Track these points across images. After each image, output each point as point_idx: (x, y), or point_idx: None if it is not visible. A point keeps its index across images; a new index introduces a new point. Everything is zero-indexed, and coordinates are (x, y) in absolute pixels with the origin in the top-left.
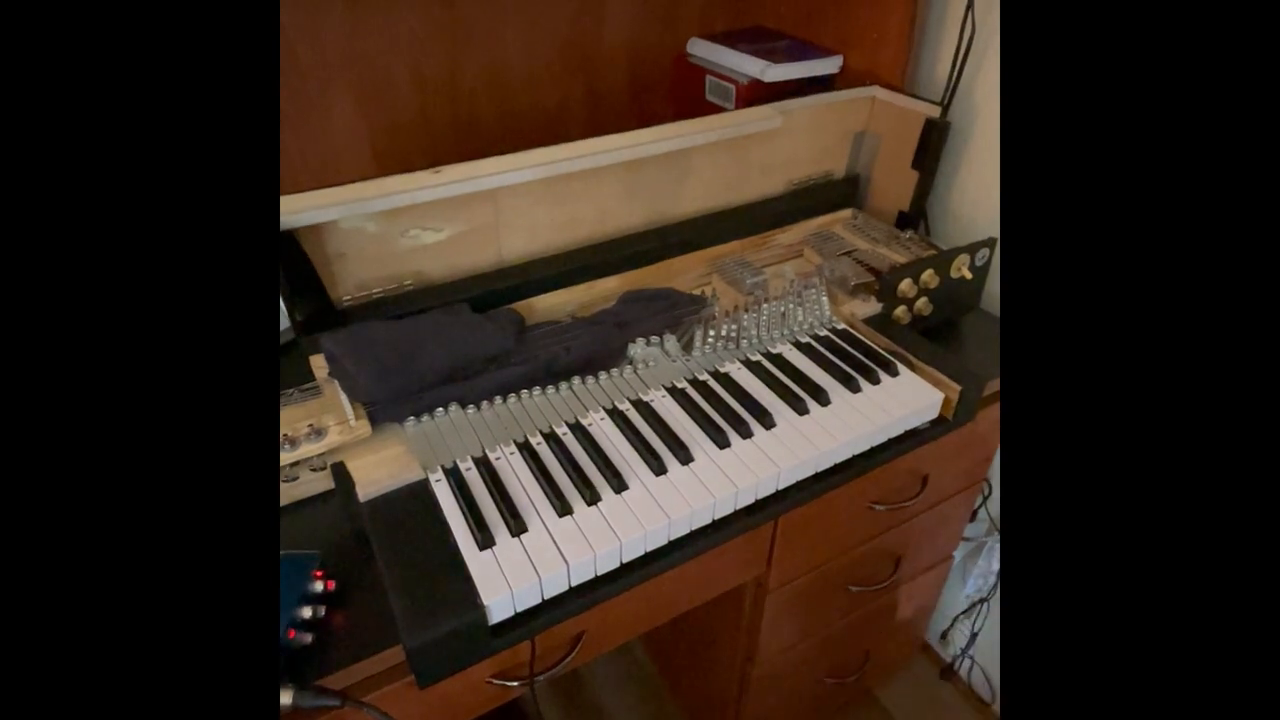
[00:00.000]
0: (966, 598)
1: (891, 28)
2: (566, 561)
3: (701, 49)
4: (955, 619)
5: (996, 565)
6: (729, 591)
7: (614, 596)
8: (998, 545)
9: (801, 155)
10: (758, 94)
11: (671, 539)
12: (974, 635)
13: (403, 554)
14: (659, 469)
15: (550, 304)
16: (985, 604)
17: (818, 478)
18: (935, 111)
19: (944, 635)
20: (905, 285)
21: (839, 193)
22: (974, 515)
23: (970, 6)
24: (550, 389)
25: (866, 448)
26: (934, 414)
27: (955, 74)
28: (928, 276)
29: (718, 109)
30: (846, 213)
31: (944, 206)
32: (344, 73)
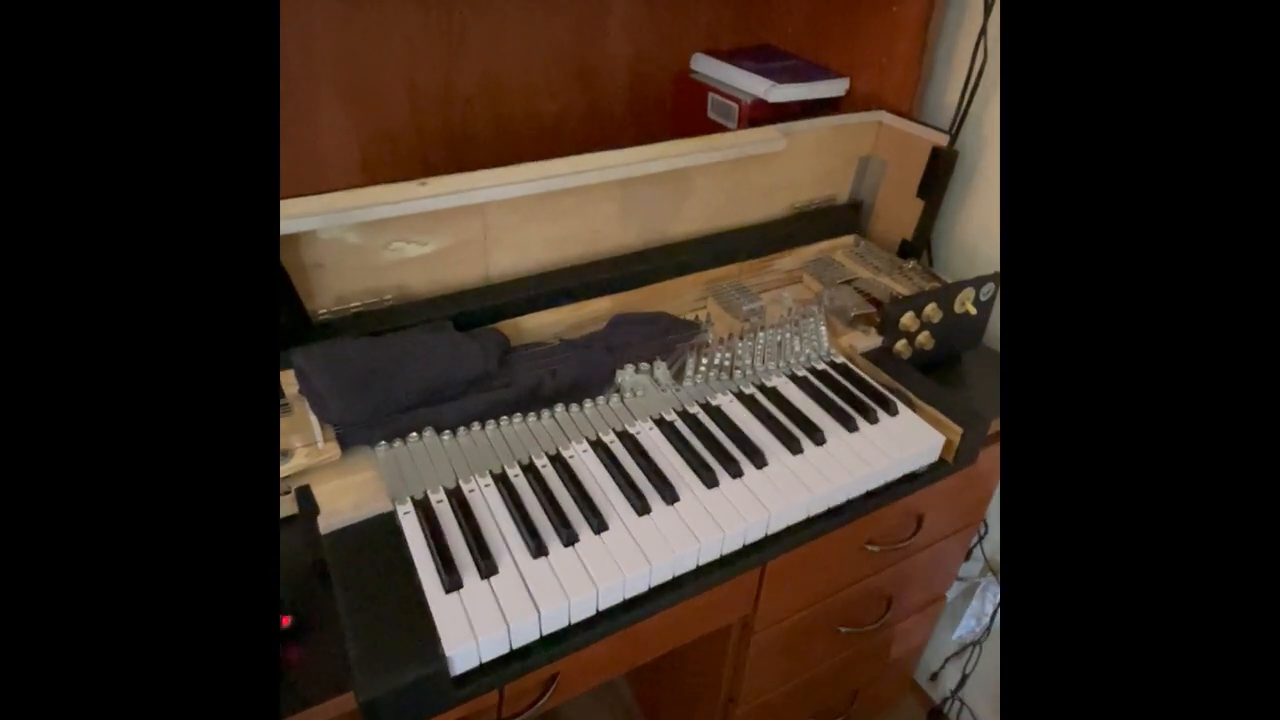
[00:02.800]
0: (958, 640)
1: (900, 52)
2: (538, 609)
3: (705, 66)
4: (946, 660)
5: (990, 607)
6: (714, 630)
7: (587, 646)
8: (993, 586)
9: (804, 178)
10: (761, 114)
11: (653, 585)
12: (965, 677)
13: (363, 594)
14: (642, 508)
15: (538, 324)
16: (978, 647)
17: (810, 522)
18: (943, 140)
19: (934, 676)
20: (907, 319)
21: (841, 218)
22: (968, 554)
23: (982, 33)
24: (532, 416)
25: (862, 492)
26: (934, 457)
27: (965, 102)
28: (930, 310)
29: (720, 128)
30: (848, 239)
31: (949, 237)
32: (333, 77)
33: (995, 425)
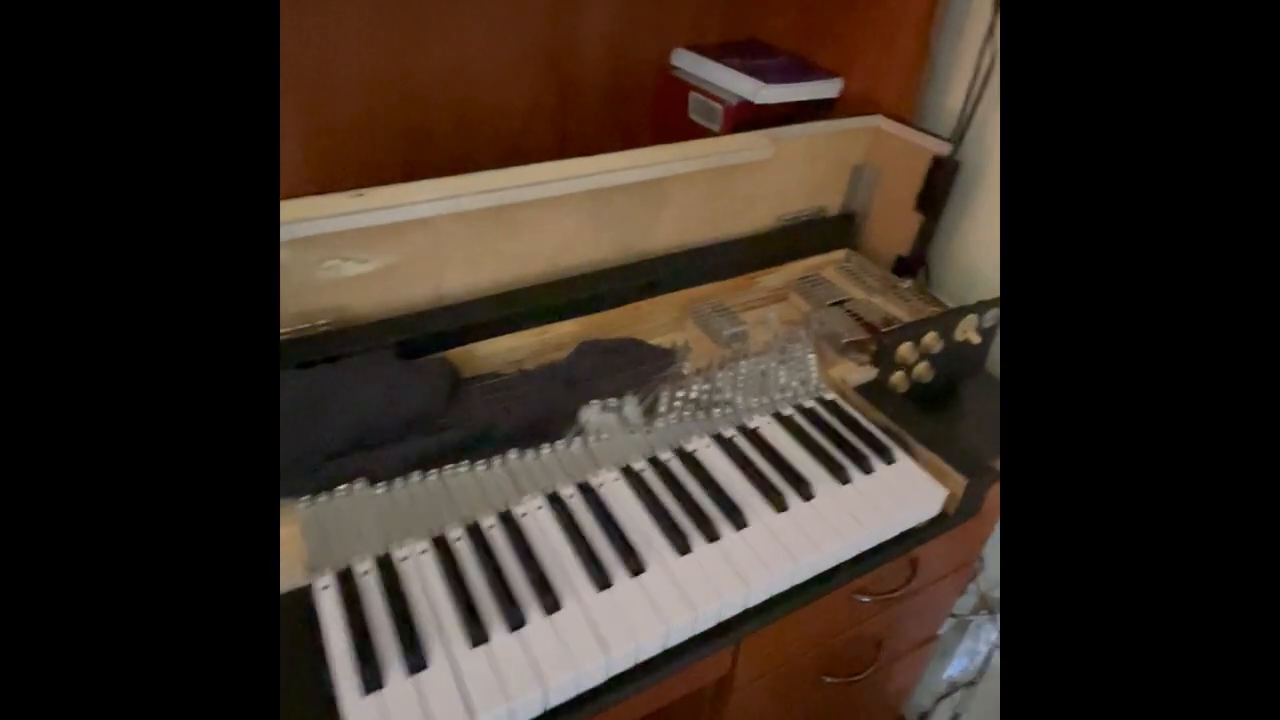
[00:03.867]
0: (950, 680)
1: (900, 51)
2: (473, 714)
3: (687, 62)
4: (938, 701)
5: (985, 646)
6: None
7: None
8: (987, 624)
9: (793, 188)
10: (747, 116)
11: (612, 675)
12: (955, 718)
13: None
14: (602, 582)
15: (495, 350)
16: (973, 686)
17: (795, 590)
18: (944, 149)
19: (924, 716)
20: (905, 349)
21: (832, 231)
22: (963, 590)
23: (991, 31)
24: (481, 464)
25: (853, 555)
26: (934, 510)
27: (969, 107)
28: (930, 339)
29: (702, 130)
30: (839, 254)
31: (947, 254)
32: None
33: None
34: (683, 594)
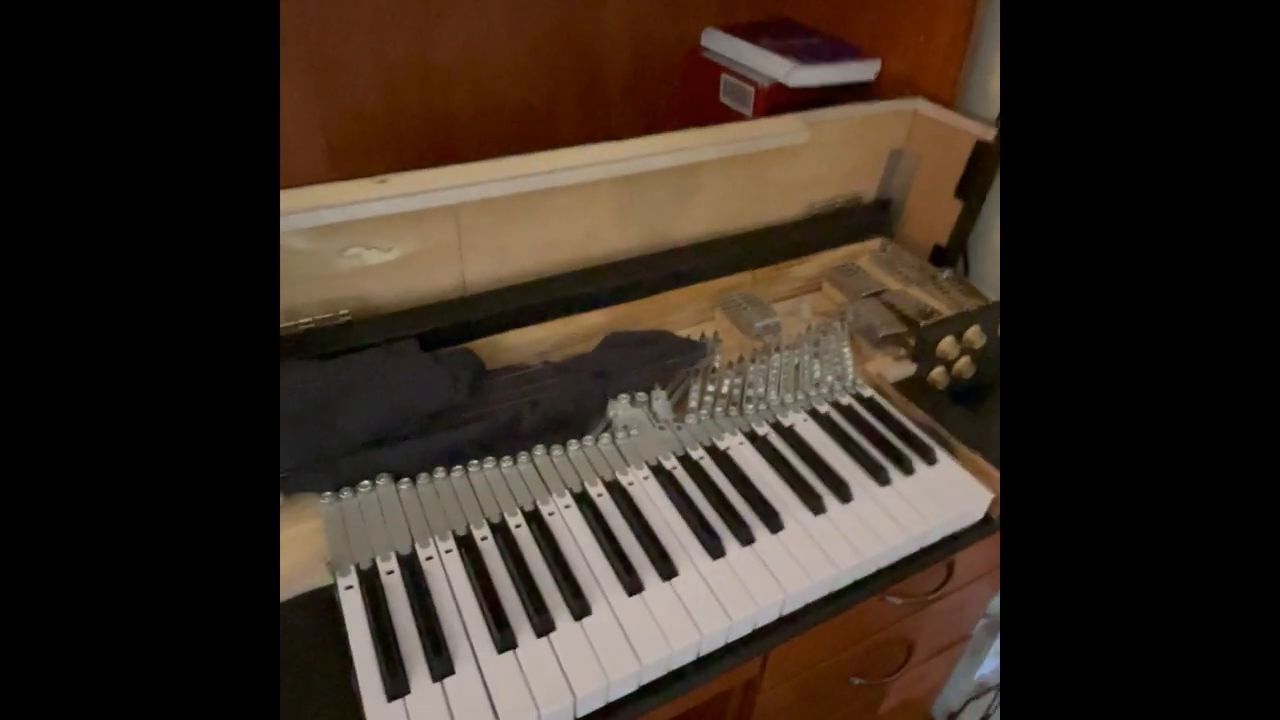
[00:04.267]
0: (980, 681)
1: (941, 29)
2: None
3: (717, 43)
4: (967, 702)
5: None
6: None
7: None
8: None
9: (827, 174)
10: (780, 99)
11: (643, 684)
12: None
13: (284, 697)
14: (633, 587)
15: (521, 342)
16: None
17: (833, 597)
18: (988, 133)
19: (953, 717)
20: (946, 344)
21: (867, 219)
22: (996, 589)
23: None
24: (507, 460)
25: (894, 560)
26: (979, 514)
27: None
28: (973, 334)
29: (733, 114)
30: (874, 243)
31: (988, 244)
32: (293, 47)
33: None
34: (717, 600)
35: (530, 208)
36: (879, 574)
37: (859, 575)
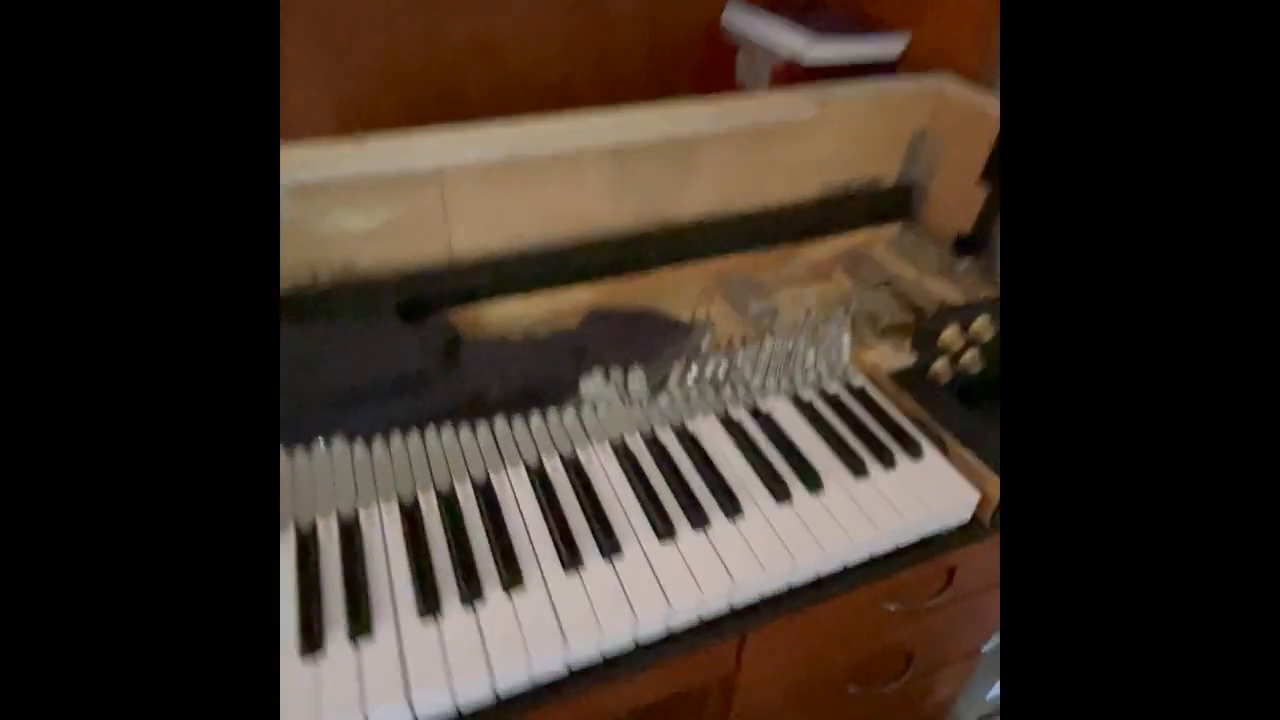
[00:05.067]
0: (993, 701)
1: (974, 2)
2: (410, 693)
3: (737, 18)
4: None
5: None
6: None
7: None
8: None
9: (843, 155)
10: (798, 76)
11: (571, 668)
12: None
13: None
14: (571, 561)
15: (506, 314)
16: None
17: (794, 593)
18: None
19: None
20: (950, 334)
21: (886, 204)
22: None
23: None
24: (466, 428)
25: (864, 557)
26: (965, 516)
27: None
28: (980, 325)
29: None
30: (893, 229)
31: None
32: (301, 19)
33: None
34: (658, 584)
35: (520, 176)
36: (853, 570)
37: (823, 571)
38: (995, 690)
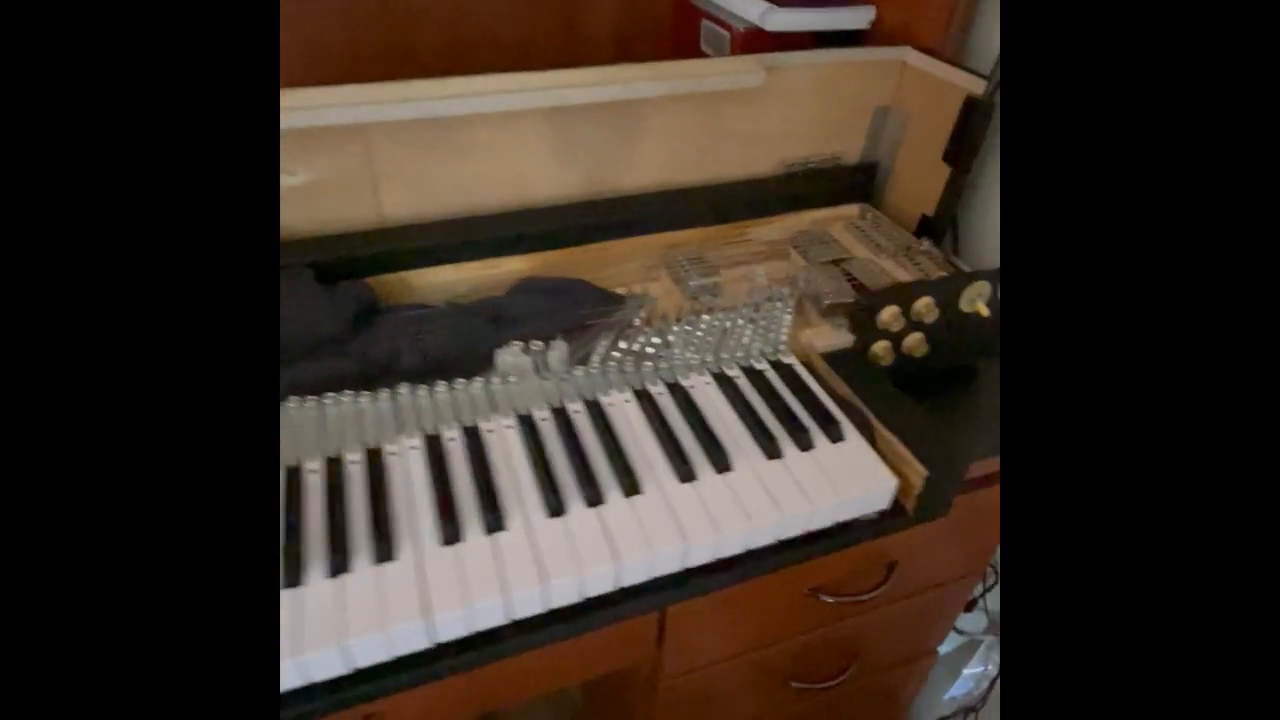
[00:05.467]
0: (952, 701)
1: None
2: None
3: None
4: None
5: (994, 669)
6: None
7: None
8: (998, 645)
9: (800, 129)
10: (761, 46)
11: (438, 642)
12: None
13: None
14: (450, 536)
15: (435, 282)
16: (974, 715)
17: (695, 574)
18: (980, 86)
19: None
20: (888, 315)
21: (847, 183)
22: (970, 606)
23: None
24: (366, 395)
25: (770, 541)
26: (884, 503)
27: None
28: (923, 306)
29: None
30: (853, 209)
31: (981, 216)
32: None
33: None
34: (535, 561)
35: (450, 138)
36: (754, 554)
37: (721, 554)
38: (953, 691)
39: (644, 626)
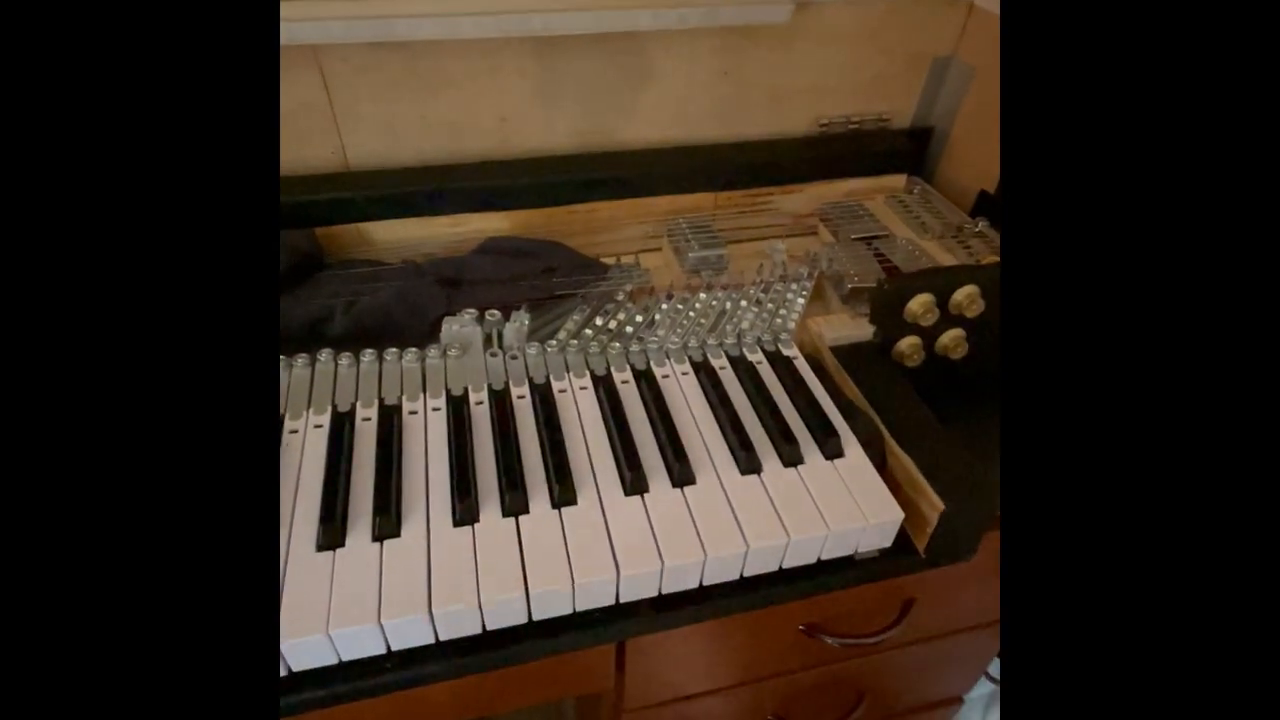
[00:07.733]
0: None
1: None
2: None
3: None
4: None
5: None
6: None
7: None
8: None
9: (841, 82)
10: None
11: (297, 670)
12: None
13: None
14: (328, 543)
15: (396, 236)
16: None
17: (630, 607)
18: None
19: None
20: (919, 304)
21: (895, 149)
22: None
23: None
24: (293, 361)
25: (731, 578)
26: (885, 541)
27: None
28: (964, 297)
29: None
30: (898, 179)
31: None
32: None
33: None
34: (424, 579)
35: (418, 70)
36: (704, 592)
37: (645, 593)
38: None
39: (593, 658)
